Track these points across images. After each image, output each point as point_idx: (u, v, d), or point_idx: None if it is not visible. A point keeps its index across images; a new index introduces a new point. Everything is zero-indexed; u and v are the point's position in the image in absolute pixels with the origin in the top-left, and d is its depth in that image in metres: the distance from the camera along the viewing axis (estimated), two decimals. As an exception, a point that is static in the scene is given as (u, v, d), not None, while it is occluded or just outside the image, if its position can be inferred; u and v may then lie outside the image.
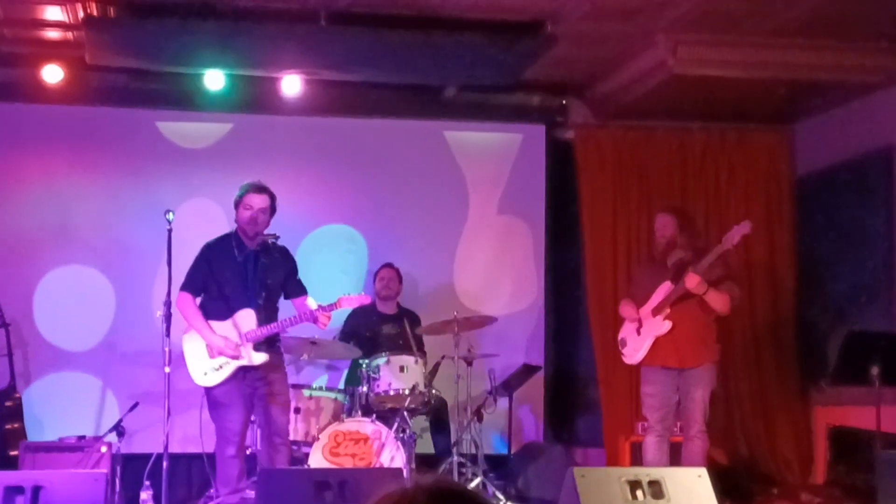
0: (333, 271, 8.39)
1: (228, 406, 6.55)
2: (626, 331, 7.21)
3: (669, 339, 6.94)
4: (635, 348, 7.09)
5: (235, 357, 6.50)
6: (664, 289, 6.96)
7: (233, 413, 6.55)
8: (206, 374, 6.54)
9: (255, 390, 6.62)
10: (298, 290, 6.79)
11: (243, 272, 6.59)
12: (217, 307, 6.64)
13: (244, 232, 6.62)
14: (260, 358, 6.53)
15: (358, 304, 6.85)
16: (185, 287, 6.64)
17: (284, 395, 6.75)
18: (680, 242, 7.05)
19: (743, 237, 6.77)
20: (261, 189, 6.62)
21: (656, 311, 6.97)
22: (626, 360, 7.25)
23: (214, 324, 6.57)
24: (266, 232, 6.64)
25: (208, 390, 6.58)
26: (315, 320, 6.58)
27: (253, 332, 6.52)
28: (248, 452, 6.91)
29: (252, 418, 6.79)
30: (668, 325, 6.93)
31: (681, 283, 6.82)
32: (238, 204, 6.63)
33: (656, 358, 7.01)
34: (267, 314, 6.60)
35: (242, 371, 6.57)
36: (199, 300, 6.70)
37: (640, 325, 7.07)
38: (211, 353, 6.54)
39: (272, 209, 6.66)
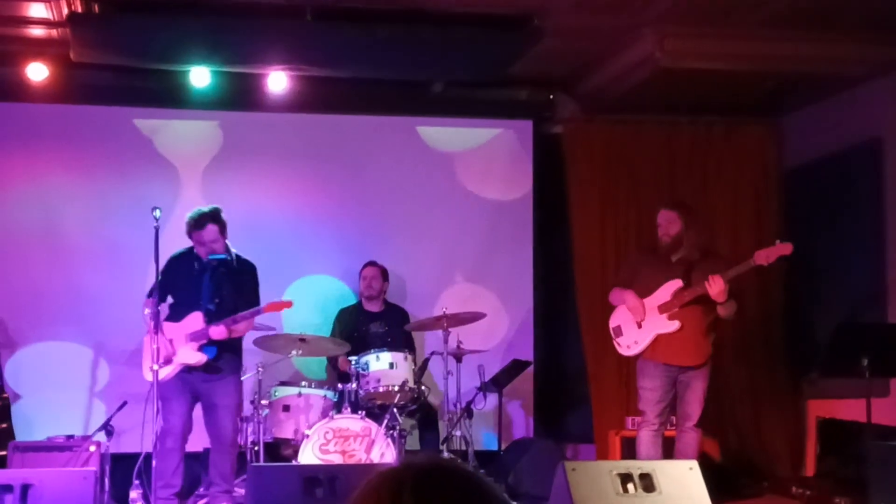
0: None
1: (168, 399, 6.76)
2: (622, 319, 7.08)
3: (674, 338, 6.85)
4: (635, 341, 6.98)
5: (168, 358, 6.66)
6: (672, 286, 6.86)
7: (171, 405, 6.77)
8: (149, 371, 6.67)
9: (198, 394, 6.84)
10: (253, 303, 6.87)
11: (198, 281, 6.83)
12: (173, 313, 6.90)
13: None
14: (195, 357, 6.70)
15: (280, 309, 7.01)
16: (149, 294, 6.83)
17: (229, 405, 6.85)
18: (686, 241, 6.95)
19: (779, 258, 6.76)
20: (201, 224, 6.75)
21: (663, 309, 6.85)
22: (622, 351, 7.15)
23: (167, 325, 6.77)
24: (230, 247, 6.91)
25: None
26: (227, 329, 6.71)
27: (196, 331, 6.70)
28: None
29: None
30: (676, 324, 6.83)
31: (699, 286, 6.72)
32: (190, 237, 6.84)
33: (658, 354, 6.92)
34: (218, 320, 6.71)
35: (186, 371, 6.76)
36: (164, 306, 6.89)
37: (643, 318, 6.96)
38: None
39: (222, 230, 6.82)
